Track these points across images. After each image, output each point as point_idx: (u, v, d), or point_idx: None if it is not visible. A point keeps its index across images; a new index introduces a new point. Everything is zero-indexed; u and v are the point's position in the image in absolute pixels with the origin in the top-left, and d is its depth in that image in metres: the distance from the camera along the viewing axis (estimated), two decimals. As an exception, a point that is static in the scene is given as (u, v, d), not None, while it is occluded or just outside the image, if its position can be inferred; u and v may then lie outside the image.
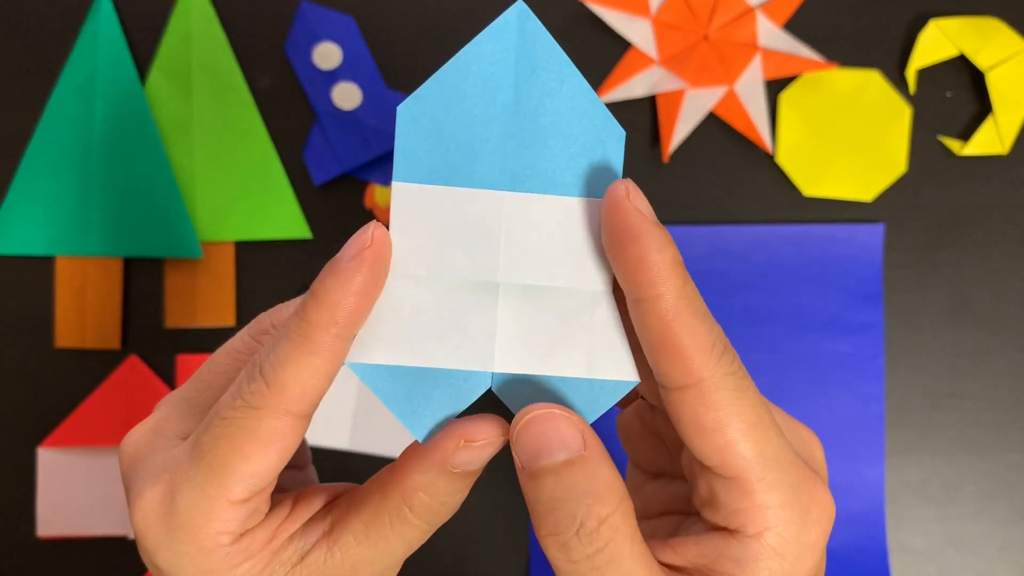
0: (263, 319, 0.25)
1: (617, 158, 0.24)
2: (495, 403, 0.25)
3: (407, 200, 0.24)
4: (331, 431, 0.45)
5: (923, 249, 0.46)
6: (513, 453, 0.23)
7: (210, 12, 0.46)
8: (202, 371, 0.25)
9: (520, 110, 0.24)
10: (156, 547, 0.23)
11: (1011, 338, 0.46)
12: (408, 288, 0.24)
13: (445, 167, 0.24)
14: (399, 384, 0.24)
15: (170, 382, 0.46)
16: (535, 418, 0.22)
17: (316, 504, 0.25)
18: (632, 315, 0.23)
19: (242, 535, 0.23)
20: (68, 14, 0.46)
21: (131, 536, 0.45)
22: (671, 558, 0.24)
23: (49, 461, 0.45)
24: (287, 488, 0.26)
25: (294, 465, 0.29)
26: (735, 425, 0.22)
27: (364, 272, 0.22)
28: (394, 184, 0.23)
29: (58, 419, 0.45)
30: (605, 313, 0.24)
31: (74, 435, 0.45)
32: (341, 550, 0.24)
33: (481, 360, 0.24)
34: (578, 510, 0.22)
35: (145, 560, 0.24)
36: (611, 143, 0.24)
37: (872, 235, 0.46)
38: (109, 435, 0.45)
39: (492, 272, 0.24)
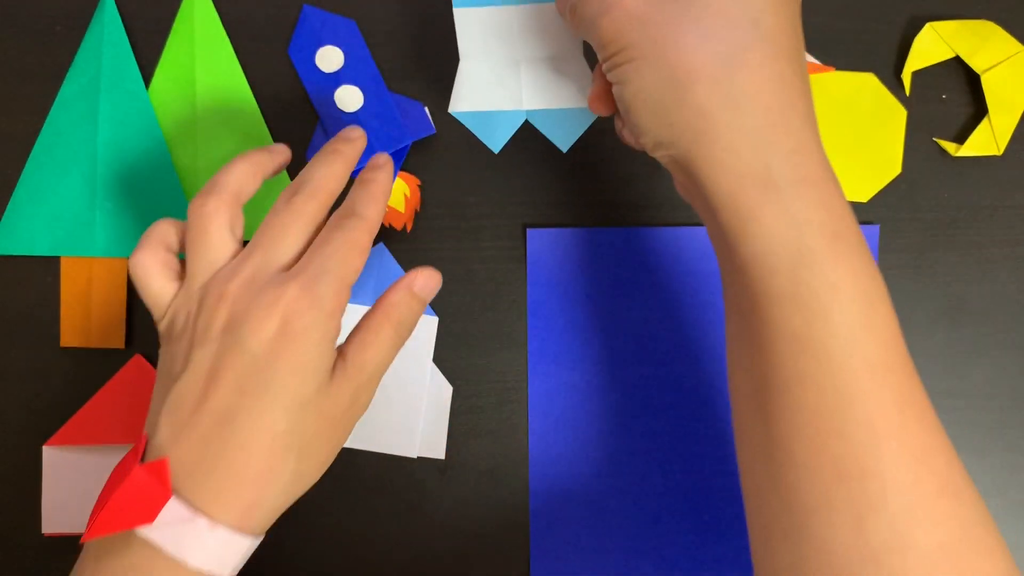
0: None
1: None
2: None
3: (464, 19, 0.41)
4: (333, 429, 0.45)
5: (918, 249, 0.47)
6: None
7: (213, 15, 0.46)
8: None
9: None
10: None
11: (1005, 338, 0.46)
12: (474, 67, 0.42)
13: None
14: (478, 119, 0.43)
15: (174, 381, 0.46)
16: None
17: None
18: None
19: None
20: (72, 17, 0.46)
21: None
22: None
23: (54, 459, 0.45)
24: None
25: None
26: None
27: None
28: (455, 10, 0.41)
29: (63, 418, 0.45)
30: (579, 64, 0.42)
31: (79, 434, 0.45)
32: (349, 358, 0.35)
33: (516, 102, 0.43)
34: None
35: None
36: None
37: (868, 236, 0.46)
38: (114, 434, 0.45)
39: (515, 52, 0.42)
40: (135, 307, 0.46)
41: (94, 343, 0.46)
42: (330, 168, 0.37)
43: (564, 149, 0.44)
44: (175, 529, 0.32)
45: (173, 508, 0.32)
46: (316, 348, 0.33)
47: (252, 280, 0.34)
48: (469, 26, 0.41)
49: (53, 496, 0.45)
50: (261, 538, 0.34)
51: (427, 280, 0.37)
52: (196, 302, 0.34)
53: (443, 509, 0.46)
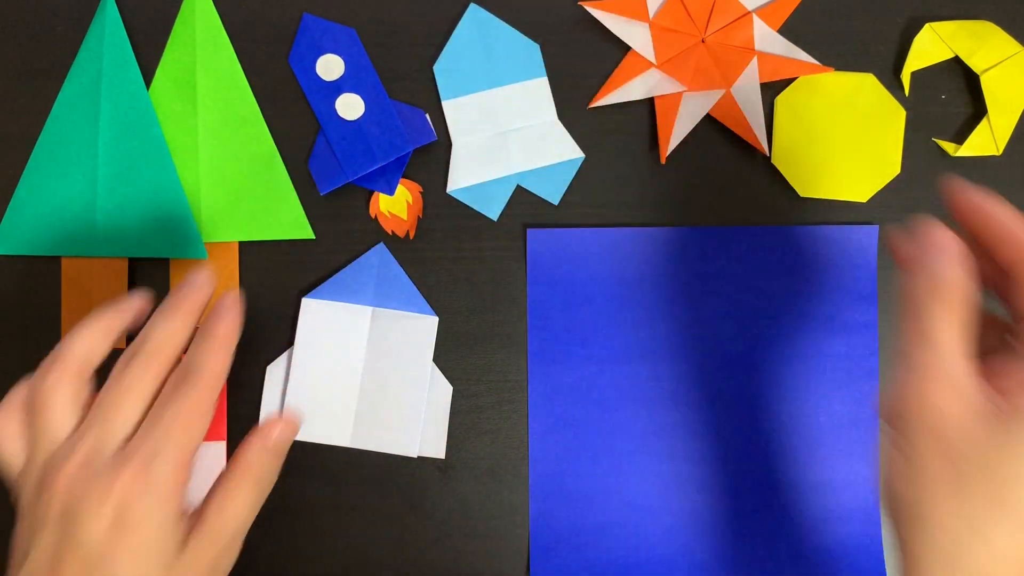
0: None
1: None
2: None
3: (452, 109, 0.46)
4: (335, 429, 0.45)
5: (917, 250, 0.47)
6: None
7: (214, 16, 0.46)
8: None
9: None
10: None
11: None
12: (466, 147, 0.46)
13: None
14: (473, 193, 0.46)
15: (174, 381, 0.46)
16: None
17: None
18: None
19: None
20: (73, 17, 0.46)
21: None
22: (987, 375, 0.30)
23: (55, 459, 0.45)
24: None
25: None
26: None
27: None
28: (444, 103, 0.46)
29: (64, 417, 0.45)
30: (556, 124, 0.47)
31: (80, 433, 0.45)
32: (208, 522, 0.34)
33: (508, 168, 0.46)
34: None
35: None
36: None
37: (867, 236, 0.46)
38: (114, 433, 0.45)
39: (500, 126, 0.46)
40: (136, 307, 0.46)
41: (95, 343, 0.46)
42: (168, 325, 0.35)
43: (555, 202, 0.46)
44: None
45: None
46: (156, 533, 0.32)
47: (87, 462, 0.32)
48: (457, 114, 0.46)
49: (53, 496, 0.45)
50: None
51: (282, 431, 0.36)
52: (35, 482, 0.33)
53: (443, 508, 0.46)
